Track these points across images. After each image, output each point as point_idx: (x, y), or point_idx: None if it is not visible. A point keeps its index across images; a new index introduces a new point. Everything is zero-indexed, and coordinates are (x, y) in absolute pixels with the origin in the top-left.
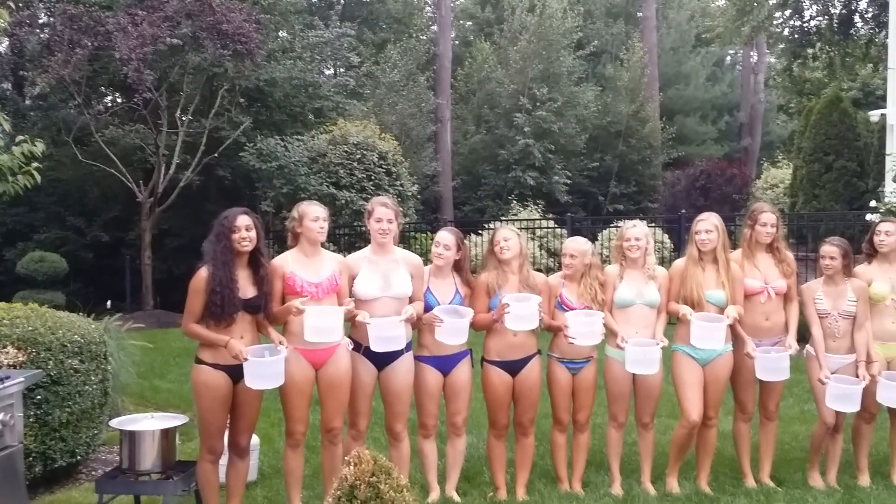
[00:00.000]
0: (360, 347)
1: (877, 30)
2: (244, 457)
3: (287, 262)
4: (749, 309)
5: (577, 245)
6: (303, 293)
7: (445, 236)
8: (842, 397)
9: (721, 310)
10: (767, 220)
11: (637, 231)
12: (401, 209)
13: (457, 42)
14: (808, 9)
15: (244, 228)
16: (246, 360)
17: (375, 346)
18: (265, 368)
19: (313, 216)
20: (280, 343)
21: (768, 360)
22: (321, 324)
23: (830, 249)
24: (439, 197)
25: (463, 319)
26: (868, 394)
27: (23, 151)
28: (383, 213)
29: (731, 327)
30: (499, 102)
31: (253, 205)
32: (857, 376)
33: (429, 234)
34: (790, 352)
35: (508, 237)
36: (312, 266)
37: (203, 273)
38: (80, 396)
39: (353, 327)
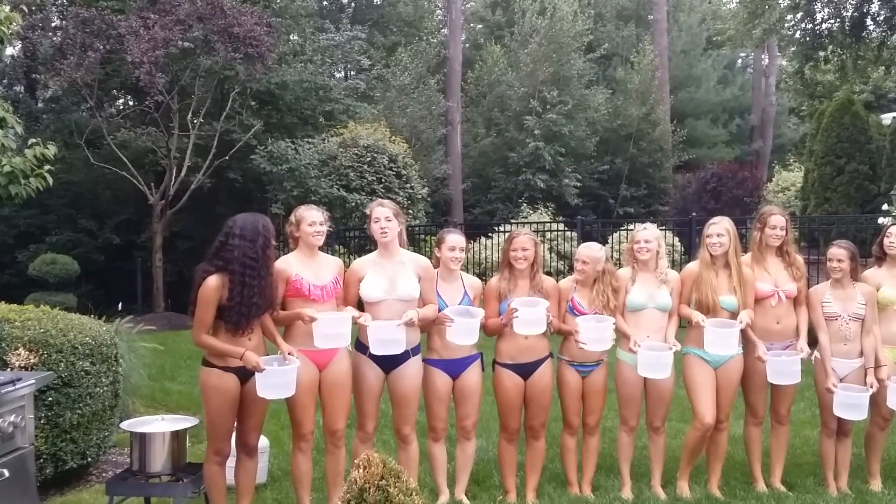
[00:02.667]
0: (367, 350)
1: (889, 32)
2: (253, 456)
3: (292, 265)
4: (760, 312)
5: (589, 252)
6: (310, 296)
7: (459, 239)
8: (849, 406)
9: (733, 314)
10: (777, 223)
11: (646, 234)
12: (400, 209)
13: (467, 45)
14: (820, 11)
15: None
16: (262, 370)
17: (374, 349)
18: (278, 378)
19: (310, 221)
20: (290, 354)
21: (779, 364)
22: (332, 331)
23: (837, 252)
24: (449, 200)
25: (473, 320)
26: (880, 399)
27: (35, 154)
28: (380, 213)
29: (743, 331)
30: (509, 105)
31: (263, 207)
32: (866, 382)
33: None
34: (801, 355)
35: (527, 247)
36: (315, 268)
37: (214, 282)
38: (91, 398)
39: (360, 330)
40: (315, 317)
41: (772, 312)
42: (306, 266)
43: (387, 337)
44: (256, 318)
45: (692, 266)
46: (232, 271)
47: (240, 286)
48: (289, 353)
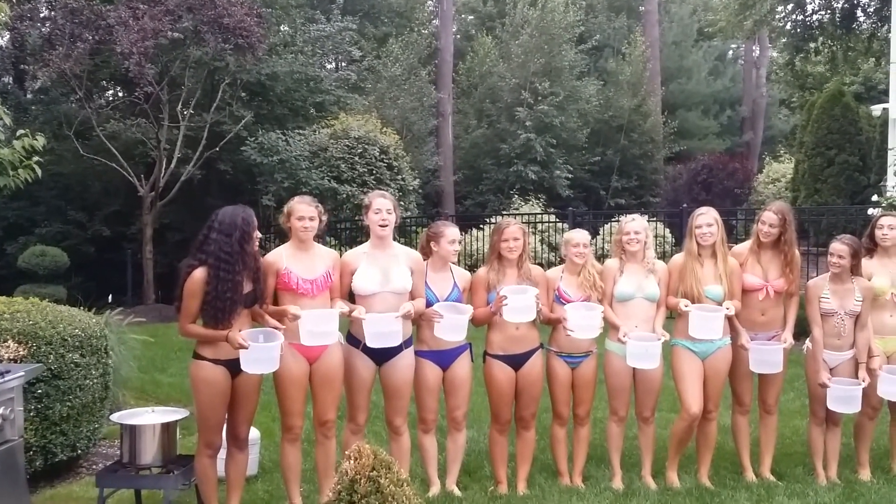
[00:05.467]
0: (360, 343)
1: (879, 24)
2: (243, 449)
3: (282, 258)
4: (745, 303)
5: (583, 236)
6: (298, 290)
7: (456, 232)
8: (843, 399)
9: (719, 304)
10: (766, 220)
11: (636, 225)
12: (398, 203)
13: (458, 36)
14: (811, 3)
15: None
16: (247, 347)
17: (371, 342)
18: (262, 353)
19: (298, 215)
20: (276, 327)
21: (762, 353)
22: (317, 328)
23: (840, 248)
24: (441, 191)
25: (462, 316)
26: (870, 388)
27: (23, 145)
28: (382, 204)
29: (729, 320)
30: (500, 97)
31: (254, 199)
32: (857, 375)
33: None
34: (784, 346)
35: (518, 237)
36: (307, 262)
37: (200, 275)
38: (81, 390)
39: (352, 323)
40: (299, 314)
41: (758, 305)
42: (297, 259)
43: (384, 330)
44: (233, 312)
45: (678, 257)
46: (210, 265)
47: (214, 280)
48: (275, 327)
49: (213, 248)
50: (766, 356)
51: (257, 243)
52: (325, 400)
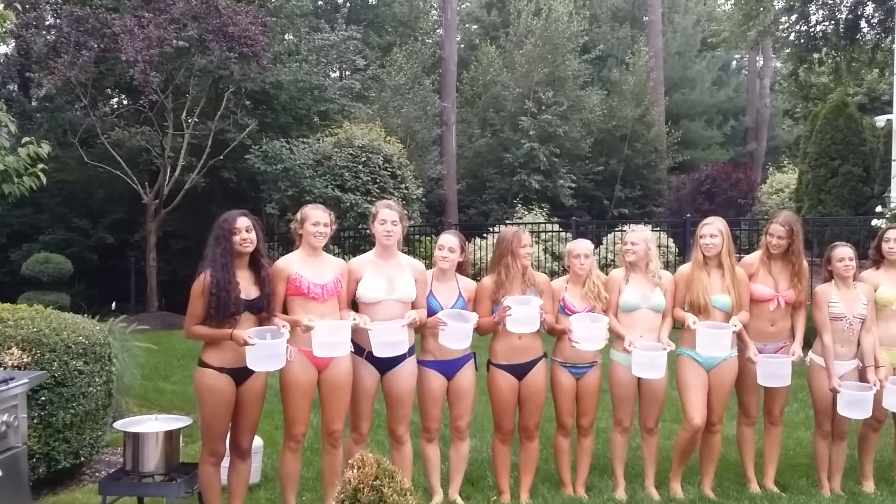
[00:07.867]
0: (363, 352)
1: (883, 35)
2: (246, 458)
3: (292, 264)
4: (756, 314)
5: (584, 247)
6: (309, 294)
7: (450, 239)
8: (854, 404)
9: (726, 314)
10: (774, 232)
11: (633, 236)
12: (405, 213)
13: (462, 45)
14: (815, 14)
15: (244, 230)
16: (253, 344)
17: (378, 352)
18: (267, 350)
19: (313, 221)
20: (283, 326)
21: (770, 366)
22: (329, 339)
23: (847, 251)
24: (444, 200)
25: (467, 324)
26: (876, 400)
27: (28, 153)
28: (388, 215)
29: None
30: (504, 106)
31: (258, 207)
32: (860, 381)
33: (433, 237)
34: (793, 358)
35: (527, 243)
36: (316, 267)
37: (202, 279)
38: (85, 398)
39: (354, 331)
40: (311, 325)
41: (768, 315)
42: (307, 265)
43: (391, 339)
44: (233, 308)
45: (685, 267)
46: (208, 268)
47: (212, 279)
48: (282, 326)
49: (206, 251)
50: (775, 369)
51: (248, 244)
52: (333, 409)
